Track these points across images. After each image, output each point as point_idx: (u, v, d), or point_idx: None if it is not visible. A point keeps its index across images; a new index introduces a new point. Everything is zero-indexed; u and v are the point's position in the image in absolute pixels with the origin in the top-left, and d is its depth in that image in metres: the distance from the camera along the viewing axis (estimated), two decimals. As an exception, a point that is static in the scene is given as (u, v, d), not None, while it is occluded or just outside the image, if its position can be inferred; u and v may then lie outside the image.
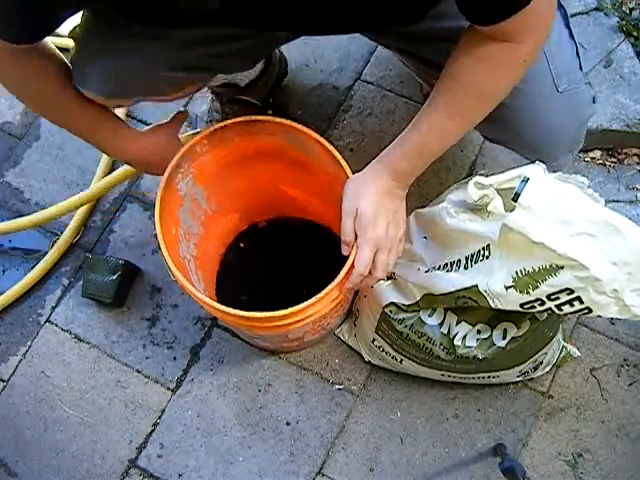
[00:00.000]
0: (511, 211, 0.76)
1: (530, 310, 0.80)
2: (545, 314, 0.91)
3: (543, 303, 0.78)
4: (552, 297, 0.76)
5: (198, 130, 0.97)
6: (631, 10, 1.30)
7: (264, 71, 1.26)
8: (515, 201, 0.74)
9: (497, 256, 0.80)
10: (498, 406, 1.12)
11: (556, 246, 0.72)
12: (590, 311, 0.76)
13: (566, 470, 1.08)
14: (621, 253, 0.72)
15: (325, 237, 1.19)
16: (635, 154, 1.26)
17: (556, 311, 0.78)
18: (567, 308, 0.77)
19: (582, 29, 1.30)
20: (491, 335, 0.95)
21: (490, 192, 0.81)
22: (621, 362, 1.13)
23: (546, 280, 0.75)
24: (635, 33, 1.27)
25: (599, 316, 0.76)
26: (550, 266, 0.74)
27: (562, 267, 0.73)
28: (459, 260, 0.86)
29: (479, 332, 0.95)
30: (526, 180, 0.74)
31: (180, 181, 0.94)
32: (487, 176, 0.83)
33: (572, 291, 0.74)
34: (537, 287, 0.76)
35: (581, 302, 0.75)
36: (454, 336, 0.96)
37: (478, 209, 0.85)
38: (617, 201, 1.21)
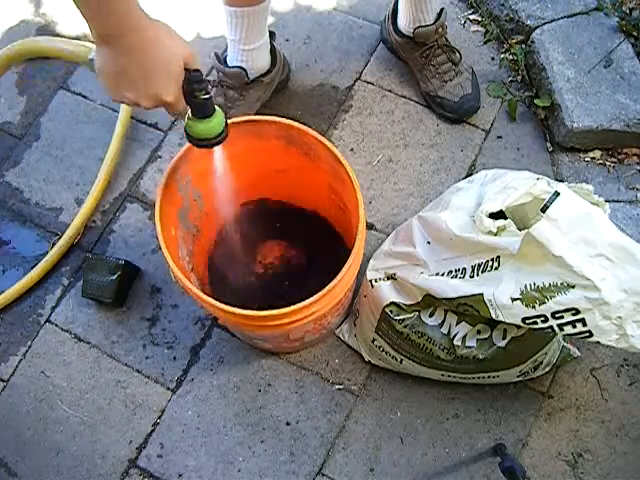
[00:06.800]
0: (525, 229, 0.76)
1: (531, 326, 0.80)
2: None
3: (546, 320, 0.78)
4: (557, 315, 0.77)
5: None
6: (631, 10, 1.30)
7: (271, 68, 1.28)
8: (543, 212, 0.74)
9: (508, 268, 0.80)
10: (498, 406, 1.12)
11: (574, 263, 0.73)
12: (590, 335, 0.76)
13: (566, 470, 1.08)
14: (634, 282, 0.73)
15: (326, 235, 1.19)
16: (635, 154, 1.26)
17: (557, 330, 0.78)
18: (569, 329, 0.77)
19: (582, 29, 1.30)
20: (491, 335, 0.95)
21: (507, 222, 0.82)
22: (621, 362, 1.13)
23: (555, 297, 0.75)
24: (635, 33, 1.27)
25: (597, 342, 0.76)
26: (561, 283, 0.75)
27: (573, 286, 0.74)
28: (464, 268, 0.86)
29: (479, 332, 0.95)
30: (557, 194, 0.75)
31: (179, 182, 0.94)
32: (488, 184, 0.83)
33: (578, 312, 0.75)
34: (544, 303, 0.77)
35: (584, 324, 0.75)
36: (454, 336, 0.96)
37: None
38: (617, 201, 1.20)
